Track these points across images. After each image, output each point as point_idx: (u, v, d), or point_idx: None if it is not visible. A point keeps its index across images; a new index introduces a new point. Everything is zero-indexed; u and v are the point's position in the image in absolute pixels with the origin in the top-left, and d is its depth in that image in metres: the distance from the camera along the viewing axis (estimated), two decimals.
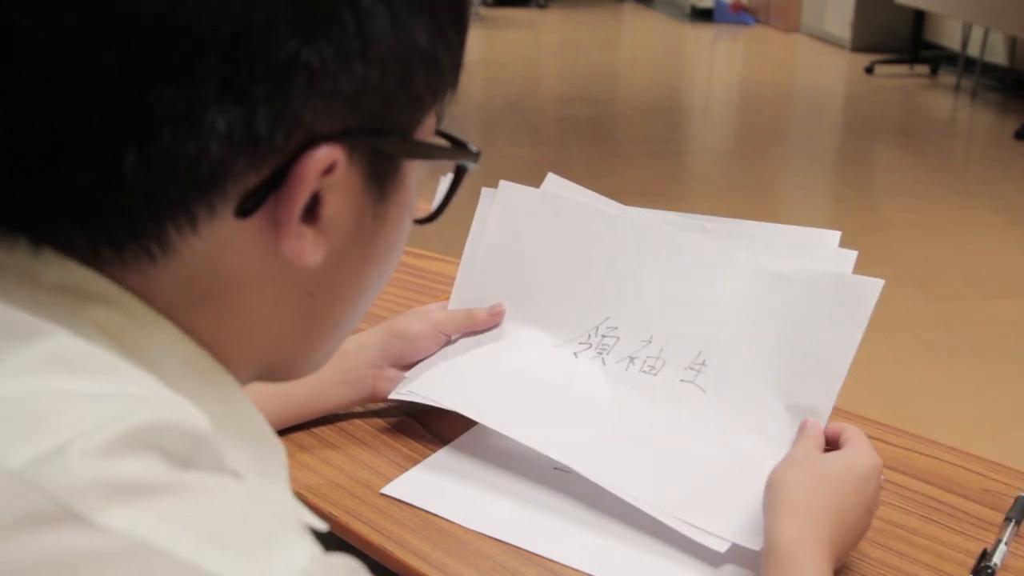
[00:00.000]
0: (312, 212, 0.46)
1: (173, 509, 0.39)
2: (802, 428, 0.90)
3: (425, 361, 1.04)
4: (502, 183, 1.12)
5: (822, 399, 0.91)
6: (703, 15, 8.96)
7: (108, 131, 0.41)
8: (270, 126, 0.43)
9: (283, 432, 0.98)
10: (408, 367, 1.03)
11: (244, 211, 0.44)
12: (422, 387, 1.00)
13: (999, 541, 0.86)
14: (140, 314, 0.45)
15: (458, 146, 0.54)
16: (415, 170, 0.52)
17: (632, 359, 1.02)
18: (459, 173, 0.56)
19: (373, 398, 1.03)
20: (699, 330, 1.00)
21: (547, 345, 1.06)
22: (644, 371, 1.01)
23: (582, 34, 8.38)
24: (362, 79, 0.45)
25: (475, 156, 0.54)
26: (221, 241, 0.45)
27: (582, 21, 8.91)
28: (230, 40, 0.41)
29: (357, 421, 1.03)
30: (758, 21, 8.70)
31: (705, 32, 8.65)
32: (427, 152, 0.51)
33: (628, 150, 5.17)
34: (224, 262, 0.46)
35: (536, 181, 1.12)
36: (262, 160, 0.44)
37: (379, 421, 1.03)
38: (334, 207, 0.47)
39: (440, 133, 0.53)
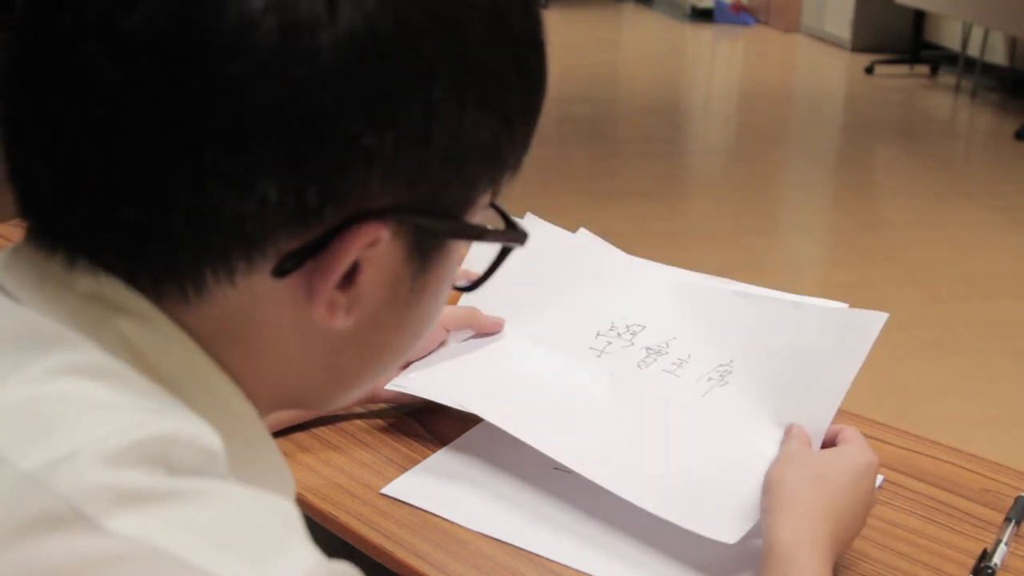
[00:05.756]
0: (349, 278, 0.46)
1: (180, 514, 0.39)
2: (787, 431, 0.90)
3: (423, 359, 1.04)
4: (528, 216, 1.13)
5: (816, 423, 0.91)
6: (703, 15, 8.95)
7: (162, 178, 0.42)
8: (320, 199, 0.43)
9: (283, 432, 0.98)
10: (407, 364, 1.03)
11: (282, 271, 0.45)
12: (418, 381, 1.01)
13: (999, 541, 0.86)
14: (167, 331, 0.45)
15: (508, 226, 0.53)
16: (459, 245, 0.51)
17: (655, 352, 1.03)
18: (504, 251, 0.55)
19: (373, 398, 1.03)
20: (717, 346, 1.02)
21: (550, 345, 1.06)
22: (666, 370, 1.01)
23: (582, 34, 8.37)
24: (420, 165, 0.45)
25: (523, 238, 0.53)
26: (255, 293, 0.45)
27: (582, 21, 8.90)
28: (297, 117, 0.41)
29: (357, 421, 1.03)
30: (758, 21, 8.70)
31: (705, 32, 8.65)
32: (474, 233, 0.51)
33: (628, 150, 5.17)
34: (256, 310, 0.46)
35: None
36: (308, 228, 0.44)
37: (379, 421, 1.03)
38: (372, 277, 0.47)
39: (493, 206, 0.53)
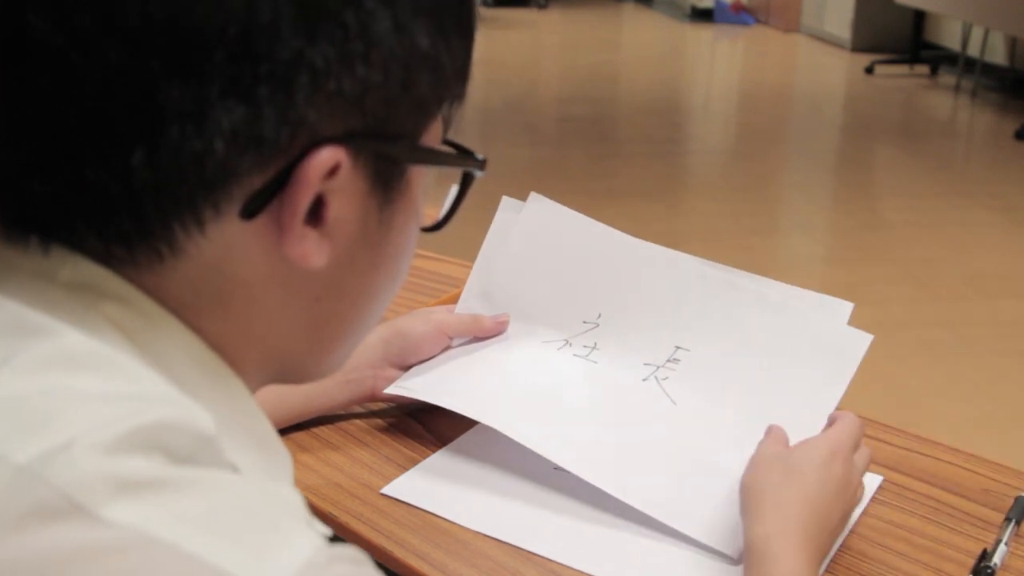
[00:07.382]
0: (317, 215, 0.47)
1: (177, 503, 0.39)
2: (768, 431, 0.88)
3: (425, 363, 1.04)
4: (532, 195, 1.12)
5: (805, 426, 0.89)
6: (703, 15, 8.96)
7: (118, 129, 0.42)
8: (274, 126, 0.44)
9: (283, 432, 0.98)
10: (408, 368, 1.03)
11: (249, 212, 0.45)
12: (419, 384, 1.01)
13: (999, 541, 0.86)
14: (152, 313, 0.46)
15: (464, 154, 0.54)
16: (421, 176, 0.52)
17: (646, 364, 1.03)
18: (466, 181, 0.56)
19: (372, 398, 1.03)
20: (718, 349, 1.03)
21: (550, 348, 1.06)
22: (661, 378, 1.02)
23: (582, 34, 8.37)
24: (364, 81, 0.45)
25: (481, 164, 0.54)
26: (227, 242, 0.46)
27: (582, 21, 8.90)
28: (235, 39, 0.42)
29: (357, 421, 1.03)
30: (758, 21, 8.70)
31: (705, 32, 8.65)
32: (432, 158, 0.52)
33: (628, 150, 5.17)
34: (231, 264, 0.46)
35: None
36: (267, 161, 0.44)
37: (379, 421, 1.03)
38: (338, 210, 0.47)
39: (447, 142, 0.53)
